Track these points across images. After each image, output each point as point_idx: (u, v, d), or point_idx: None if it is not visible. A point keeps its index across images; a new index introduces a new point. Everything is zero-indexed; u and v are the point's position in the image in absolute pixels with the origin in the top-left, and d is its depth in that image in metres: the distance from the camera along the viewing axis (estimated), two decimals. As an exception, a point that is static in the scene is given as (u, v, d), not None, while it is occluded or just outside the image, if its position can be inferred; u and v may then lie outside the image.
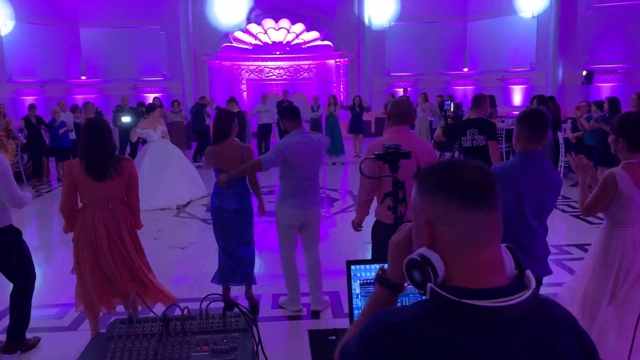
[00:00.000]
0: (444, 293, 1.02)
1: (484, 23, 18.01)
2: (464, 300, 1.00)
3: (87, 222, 3.66)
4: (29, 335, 3.96)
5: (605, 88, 15.54)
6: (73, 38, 17.75)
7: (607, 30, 15.68)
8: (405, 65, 18.64)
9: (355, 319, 2.09)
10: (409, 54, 18.65)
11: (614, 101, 8.57)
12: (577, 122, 9.63)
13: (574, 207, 8.02)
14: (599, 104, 9.08)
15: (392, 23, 18.63)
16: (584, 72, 14.32)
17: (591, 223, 7.13)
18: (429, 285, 1.04)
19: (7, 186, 3.58)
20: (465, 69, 18.76)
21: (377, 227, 3.57)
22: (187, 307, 1.87)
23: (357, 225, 3.85)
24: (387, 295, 1.24)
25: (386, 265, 1.29)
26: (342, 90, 18.97)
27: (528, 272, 1.08)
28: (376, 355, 1.02)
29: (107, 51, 17.79)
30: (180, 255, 6.11)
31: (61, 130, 11.23)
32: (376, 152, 2.55)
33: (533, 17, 16.85)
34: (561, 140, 10.04)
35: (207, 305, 1.89)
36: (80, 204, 3.73)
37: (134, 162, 3.87)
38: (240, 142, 4.58)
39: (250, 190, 4.62)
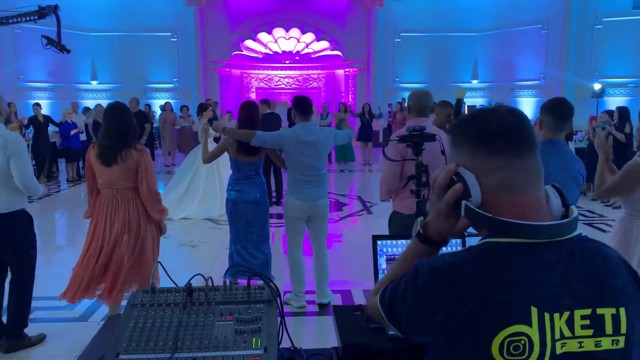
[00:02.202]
0: (478, 210, 1.01)
1: (494, 35, 18.05)
2: (501, 218, 0.98)
3: (97, 206, 3.70)
4: (37, 330, 3.87)
5: (614, 101, 15.50)
6: (85, 43, 17.86)
7: (617, 43, 15.67)
8: (414, 75, 18.67)
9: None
10: (418, 65, 18.70)
11: (623, 110, 8.79)
12: (590, 132, 9.65)
13: (585, 216, 7.96)
14: (611, 114, 9.16)
15: (402, 34, 18.69)
16: (597, 86, 14.27)
17: (604, 231, 7.08)
18: (463, 202, 1.02)
19: (21, 166, 3.48)
20: (475, 81, 18.77)
21: (395, 218, 3.52)
22: (210, 278, 1.83)
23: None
24: (428, 250, 1.19)
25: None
26: (350, 99, 19.01)
27: (572, 207, 1.06)
28: (435, 294, 1.00)
29: (118, 57, 17.91)
30: (190, 252, 6.08)
31: (72, 132, 11.26)
32: (399, 135, 2.52)
33: (544, 30, 16.88)
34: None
35: (232, 277, 1.86)
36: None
37: (147, 151, 3.79)
38: None
39: (264, 183, 4.65)
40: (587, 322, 0.96)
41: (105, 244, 3.65)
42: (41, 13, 11.84)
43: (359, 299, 4.57)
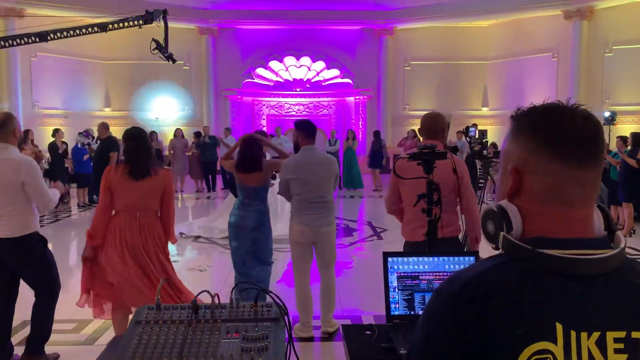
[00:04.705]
0: (517, 241, 0.93)
1: (504, 63, 18.11)
2: (540, 250, 0.90)
3: (114, 228, 3.65)
4: (47, 351, 3.86)
5: (626, 129, 15.38)
6: (98, 71, 18.16)
7: (628, 71, 15.62)
8: (424, 102, 18.70)
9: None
10: (428, 93, 18.76)
11: (637, 136, 8.66)
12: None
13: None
14: (624, 139, 9.09)
15: (412, 62, 18.81)
16: (607, 114, 14.19)
17: None
18: (502, 233, 0.95)
19: (37, 187, 3.59)
20: (485, 109, 18.78)
21: (406, 248, 3.47)
22: (217, 295, 1.79)
23: None
24: None
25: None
26: (360, 127, 19.07)
27: (619, 233, 0.97)
28: (456, 309, 0.91)
29: (131, 84, 18.15)
30: (198, 277, 6.03)
31: (85, 157, 11.34)
32: (409, 152, 2.49)
33: (553, 57, 16.91)
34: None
35: (238, 294, 1.82)
36: (113, 212, 3.74)
37: (171, 172, 3.94)
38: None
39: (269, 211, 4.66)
40: (621, 345, 0.87)
41: (129, 267, 3.60)
42: (147, 18, 10.85)
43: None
